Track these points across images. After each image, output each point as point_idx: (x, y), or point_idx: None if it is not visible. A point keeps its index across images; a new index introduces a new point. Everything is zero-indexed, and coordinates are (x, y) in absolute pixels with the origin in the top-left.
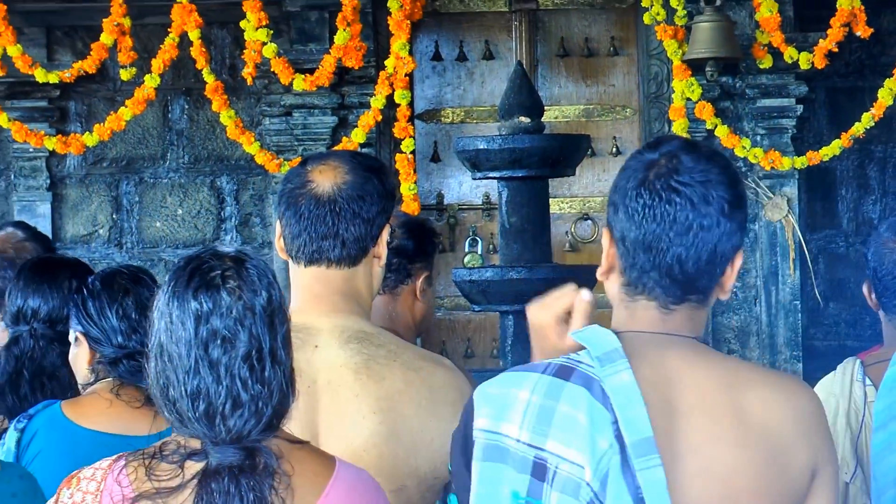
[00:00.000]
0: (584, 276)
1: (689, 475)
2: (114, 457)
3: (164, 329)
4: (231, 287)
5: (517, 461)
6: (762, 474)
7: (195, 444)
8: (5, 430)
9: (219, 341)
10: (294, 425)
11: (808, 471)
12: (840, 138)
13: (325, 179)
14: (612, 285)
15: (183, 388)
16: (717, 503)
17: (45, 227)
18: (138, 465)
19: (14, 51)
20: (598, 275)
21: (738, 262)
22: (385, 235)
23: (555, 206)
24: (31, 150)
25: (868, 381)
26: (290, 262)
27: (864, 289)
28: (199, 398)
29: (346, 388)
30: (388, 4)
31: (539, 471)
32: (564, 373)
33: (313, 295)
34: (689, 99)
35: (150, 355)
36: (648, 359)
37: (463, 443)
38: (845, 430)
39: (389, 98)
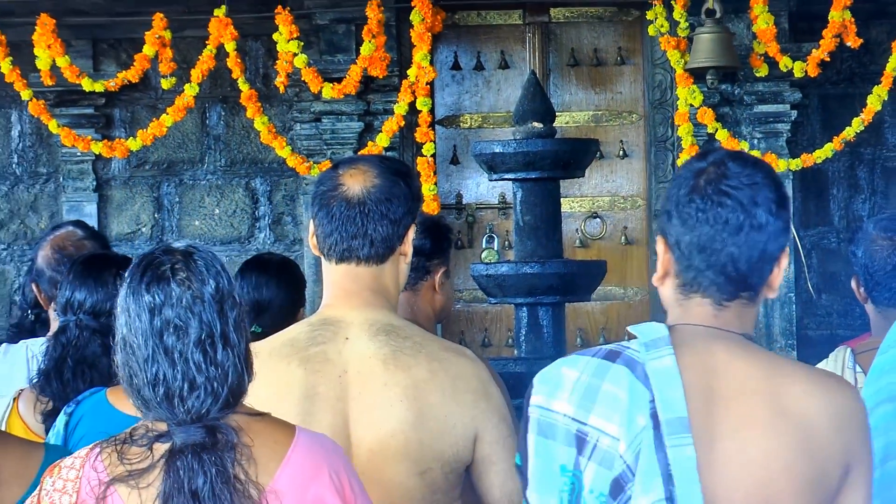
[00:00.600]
0: (594, 271)
1: (727, 457)
2: (91, 445)
3: (124, 323)
4: (180, 279)
5: (563, 435)
6: (796, 461)
7: (162, 426)
8: (49, 411)
9: (171, 329)
10: (326, 412)
11: (840, 465)
12: (832, 142)
13: (356, 182)
14: (667, 289)
15: (144, 376)
16: (753, 485)
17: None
18: (111, 451)
19: (63, 62)
20: (654, 280)
21: (784, 261)
22: (411, 235)
23: (566, 205)
24: (78, 154)
25: (858, 369)
26: (323, 258)
27: (853, 283)
28: (158, 384)
29: (375, 377)
30: (410, 18)
31: (580, 444)
32: (612, 356)
33: (344, 290)
34: (691, 105)
35: (116, 348)
36: (696, 348)
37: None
38: None
39: (412, 105)
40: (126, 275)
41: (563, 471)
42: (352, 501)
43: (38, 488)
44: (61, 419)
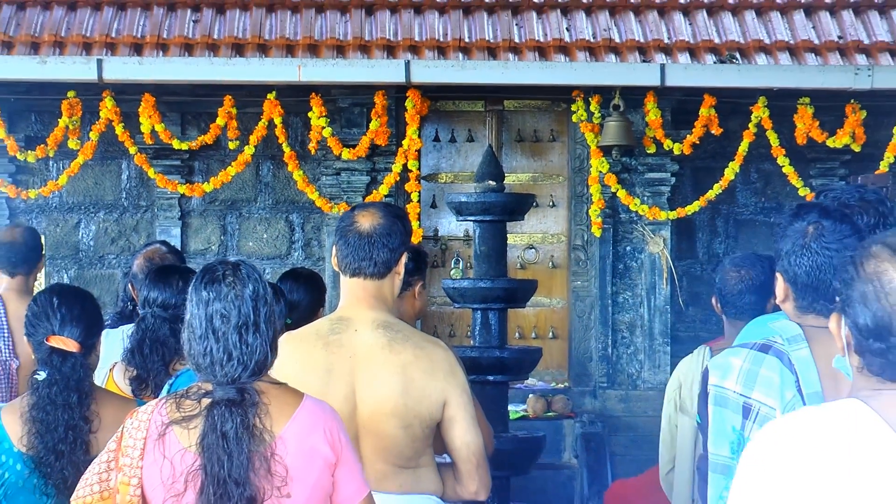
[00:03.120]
0: (529, 287)
1: None
2: (160, 397)
3: (188, 311)
4: (229, 282)
5: (734, 406)
6: None
7: (209, 387)
8: (134, 377)
9: (218, 316)
10: (339, 382)
11: None
12: (699, 200)
13: (366, 221)
14: (787, 305)
15: (198, 348)
16: None
17: (175, 244)
18: (173, 402)
19: (159, 127)
20: (778, 301)
21: None
22: (403, 259)
23: (510, 240)
24: (168, 193)
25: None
26: (340, 273)
27: (713, 300)
28: (207, 354)
29: (374, 359)
30: (405, 104)
31: (745, 412)
32: (764, 349)
33: (355, 297)
34: (600, 171)
35: (183, 328)
36: (821, 342)
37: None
38: (696, 395)
39: (405, 165)
40: (195, 277)
41: (733, 430)
42: (338, 450)
43: (122, 426)
44: (166, 387)
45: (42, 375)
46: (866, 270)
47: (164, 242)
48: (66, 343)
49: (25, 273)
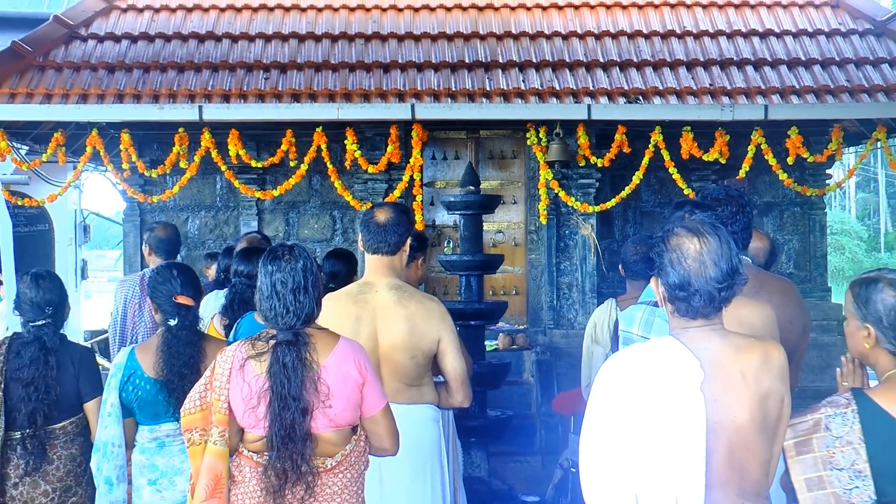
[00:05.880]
0: (498, 259)
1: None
2: (238, 340)
3: (259, 279)
4: (286, 258)
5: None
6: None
7: (273, 332)
8: (227, 325)
9: (279, 284)
10: (366, 327)
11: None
12: (615, 198)
13: (382, 215)
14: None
15: (266, 305)
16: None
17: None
18: (249, 343)
19: (241, 152)
20: (659, 301)
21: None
22: (408, 241)
23: (486, 227)
24: (248, 197)
25: (618, 309)
26: (365, 252)
27: (619, 267)
28: (272, 309)
29: (389, 310)
30: (411, 134)
31: None
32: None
33: (375, 268)
34: (547, 179)
35: (256, 293)
36: None
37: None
38: (611, 335)
39: (411, 177)
40: (262, 256)
41: None
42: (364, 374)
43: (214, 361)
44: (235, 328)
45: (174, 322)
46: (671, 244)
47: (259, 232)
48: (187, 300)
49: (173, 257)
